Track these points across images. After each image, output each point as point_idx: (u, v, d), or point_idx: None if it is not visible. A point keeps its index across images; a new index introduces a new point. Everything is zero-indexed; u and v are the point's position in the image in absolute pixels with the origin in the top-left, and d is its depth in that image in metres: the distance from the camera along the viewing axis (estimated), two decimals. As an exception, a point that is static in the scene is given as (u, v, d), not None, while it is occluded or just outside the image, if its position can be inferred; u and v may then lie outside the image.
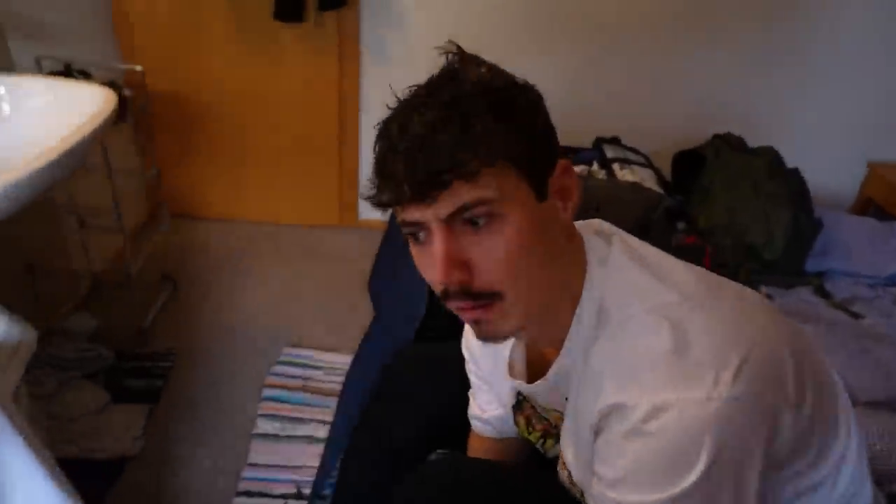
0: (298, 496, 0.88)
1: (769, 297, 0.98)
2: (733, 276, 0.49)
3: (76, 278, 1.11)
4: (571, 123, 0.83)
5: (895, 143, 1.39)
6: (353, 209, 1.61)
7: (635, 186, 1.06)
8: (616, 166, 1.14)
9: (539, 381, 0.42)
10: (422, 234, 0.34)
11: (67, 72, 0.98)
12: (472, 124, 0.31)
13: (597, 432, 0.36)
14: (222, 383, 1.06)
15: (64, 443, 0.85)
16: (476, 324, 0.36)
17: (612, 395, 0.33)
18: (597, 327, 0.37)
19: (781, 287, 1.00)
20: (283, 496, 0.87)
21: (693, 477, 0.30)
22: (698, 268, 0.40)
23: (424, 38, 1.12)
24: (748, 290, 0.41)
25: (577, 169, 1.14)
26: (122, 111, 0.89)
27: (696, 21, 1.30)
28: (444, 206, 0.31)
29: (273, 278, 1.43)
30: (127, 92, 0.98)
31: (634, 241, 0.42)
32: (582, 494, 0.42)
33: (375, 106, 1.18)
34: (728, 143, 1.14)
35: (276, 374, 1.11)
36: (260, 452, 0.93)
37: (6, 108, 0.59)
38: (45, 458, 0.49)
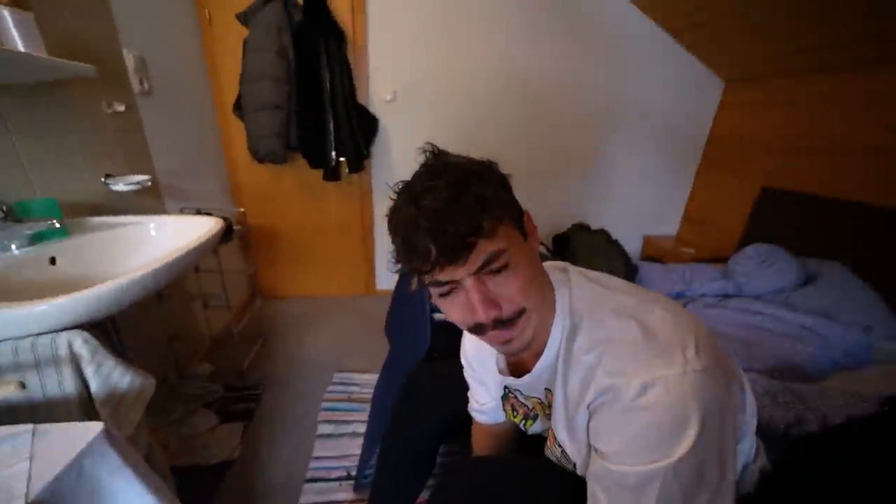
0: (348, 478, 1.08)
1: None
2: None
3: (201, 340, 1.59)
4: None
5: (656, 226, 2.40)
6: (373, 283, 2.20)
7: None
8: None
9: (526, 376, 0.49)
10: (453, 289, 0.39)
11: (199, 213, 1.32)
12: (482, 194, 0.37)
13: (592, 413, 0.40)
14: (294, 402, 1.38)
15: (187, 453, 1.12)
16: (507, 343, 0.42)
17: (604, 379, 0.38)
18: (573, 331, 0.43)
19: None
20: (338, 479, 1.08)
21: (688, 443, 0.33)
22: (626, 281, 0.48)
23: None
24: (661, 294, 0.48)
25: None
26: (229, 234, 1.29)
27: (549, 169, 2.14)
28: (473, 263, 0.37)
29: (325, 329, 1.86)
30: (234, 224, 1.40)
31: (581, 269, 0.50)
32: (575, 466, 0.47)
33: (382, 222, 2.02)
34: (581, 228, 1.85)
35: (330, 392, 1.41)
36: (320, 448, 1.18)
37: (153, 232, 1.03)
38: (152, 480, 0.54)
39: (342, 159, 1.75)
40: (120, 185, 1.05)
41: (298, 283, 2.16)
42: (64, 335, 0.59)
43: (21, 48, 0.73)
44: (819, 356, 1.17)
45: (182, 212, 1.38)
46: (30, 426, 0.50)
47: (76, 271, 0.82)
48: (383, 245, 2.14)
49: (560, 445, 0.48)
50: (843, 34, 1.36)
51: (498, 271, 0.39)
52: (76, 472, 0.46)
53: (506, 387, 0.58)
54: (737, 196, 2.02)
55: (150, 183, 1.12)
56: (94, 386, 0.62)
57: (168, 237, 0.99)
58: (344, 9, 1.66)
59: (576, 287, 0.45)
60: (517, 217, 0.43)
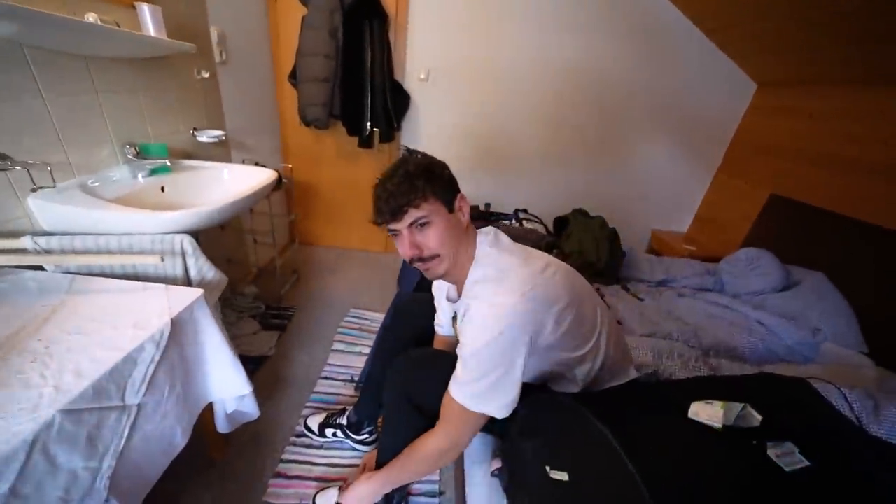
0: (351, 381, 1.42)
1: (598, 290, 1.65)
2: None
3: (249, 267, 1.98)
4: (508, 204, 2.18)
5: (668, 221, 2.52)
6: (392, 242, 2.51)
7: (532, 231, 1.91)
8: (524, 221, 2.00)
9: (458, 302, 0.78)
10: (397, 234, 0.69)
11: (257, 165, 1.57)
12: (414, 182, 0.65)
13: (464, 318, 0.69)
14: (317, 324, 1.74)
15: (236, 347, 1.55)
16: (427, 271, 0.72)
17: (471, 302, 0.66)
18: (477, 278, 0.69)
19: (604, 284, 1.74)
20: (344, 380, 1.43)
21: (488, 337, 0.61)
22: (533, 251, 0.74)
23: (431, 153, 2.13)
24: (560, 264, 0.73)
25: (505, 223, 1.99)
26: (279, 184, 1.57)
27: (565, 155, 2.30)
28: (404, 221, 0.66)
29: (348, 274, 2.20)
30: (283, 177, 1.73)
31: (502, 236, 0.75)
32: None
33: None
34: (580, 212, 2.02)
35: (346, 321, 1.75)
36: (333, 358, 1.53)
37: (226, 175, 1.36)
38: (228, 340, 0.85)
39: (376, 130, 2.00)
40: (203, 137, 1.37)
41: (330, 233, 2.51)
42: (178, 236, 0.91)
43: (153, 34, 1.03)
44: (761, 347, 1.34)
45: (244, 162, 1.71)
46: (163, 284, 0.83)
47: (177, 198, 1.16)
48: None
49: None
50: (877, 49, 1.37)
51: (421, 227, 0.68)
52: (189, 311, 0.79)
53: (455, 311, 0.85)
54: (747, 200, 2.07)
55: (224, 137, 1.43)
56: (193, 272, 0.95)
57: (235, 181, 1.30)
58: (390, -8, 1.85)
59: (486, 250, 0.72)
60: (447, 197, 0.69)
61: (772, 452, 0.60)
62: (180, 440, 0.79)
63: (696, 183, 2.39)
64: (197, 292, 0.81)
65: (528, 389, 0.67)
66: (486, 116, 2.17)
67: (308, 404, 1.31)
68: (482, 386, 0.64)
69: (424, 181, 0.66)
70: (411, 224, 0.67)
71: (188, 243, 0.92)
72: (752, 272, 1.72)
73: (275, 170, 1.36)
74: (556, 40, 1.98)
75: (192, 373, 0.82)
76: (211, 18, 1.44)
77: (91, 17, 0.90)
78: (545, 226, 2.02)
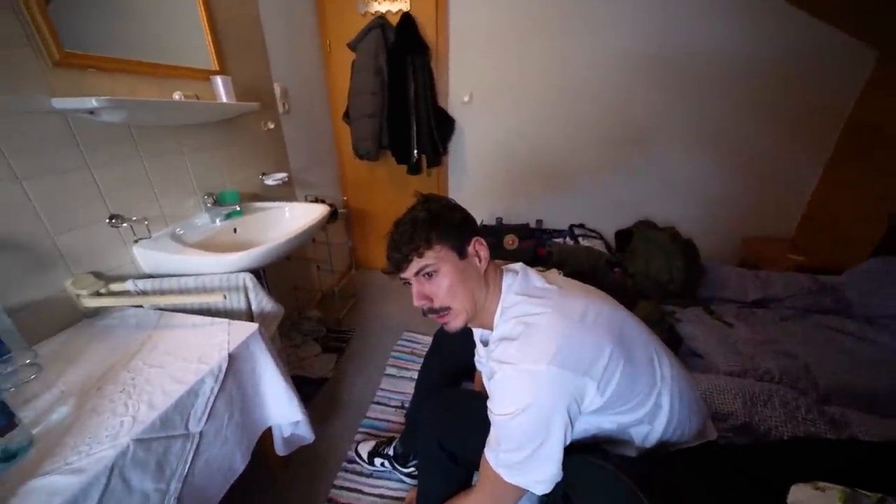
0: (401, 407, 1.43)
1: (673, 314, 1.44)
2: (647, 300, 0.90)
3: (314, 293, 2.15)
4: (561, 220, 2.15)
5: (763, 227, 2.11)
6: None
7: (589, 249, 1.81)
8: (580, 238, 1.93)
9: (480, 349, 0.76)
10: (408, 283, 0.68)
11: (317, 200, 1.79)
12: (418, 230, 0.63)
13: (489, 378, 0.65)
14: (373, 348, 1.80)
15: (299, 368, 1.63)
16: (445, 325, 0.68)
17: (494, 363, 0.60)
18: (499, 320, 0.65)
19: (680, 307, 1.49)
20: (394, 406, 1.45)
21: (516, 408, 0.54)
22: (570, 290, 0.65)
23: (479, 180, 2.27)
24: (603, 305, 0.63)
25: (559, 241, 1.92)
26: (335, 215, 1.73)
27: (625, 161, 2.08)
28: (412, 269, 0.64)
29: (401, 298, 2.24)
30: (340, 207, 1.92)
31: (532, 277, 0.68)
32: None
33: None
34: (646, 224, 1.89)
35: (399, 345, 1.78)
36: (385, 383, 1.56)
37: (287, 214, 1.53)
38: (282, 369, 0.90)
39: (423, 156, 2.07)
40: (270, 181, 1.55)
41: (384, 258, 2.62)
42: (241, 274, 1.02)
43: (225, 100, 1.20)
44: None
45: (306, 198, 1.89)
46: (227, 320, 0.93)
47: (247, 237, 1.31)
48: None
49: None
50: None
51: (429, 276, 0.65)
52: (246, 345, 0.87)
53: None
54: (873, 197, 1.68)
55: (287, 178, 1.60)
56: (254, 305, 1.05)
57: (295, 218, 1.44)
58: (429, 26, 1.93)
59: (511, 299, 0.66)
60: (457, 243, 0.65)
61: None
62: (240, 464, 0.86)
63: (801, 179, 1.99)
64: (252, 327, 0.90)
65: (574, 447, 0.60)
66: (532, 131, 2.10)
67: (360, 430, 1.34)
68: (516, 458, 0.57)
69: (429, 227, 0.63)
70: (418, 273, 0.65)
71: (249, 280, 1.03)
72: (891, 289, 1.37)
73: (331, 203, 1.47)
74: (594, 44, 1.85)
75: (249, 401, 0.90)
76: (274, 76, 1.65)
77: (177, 96, 1.09)
78: (605, 241, 1.86)
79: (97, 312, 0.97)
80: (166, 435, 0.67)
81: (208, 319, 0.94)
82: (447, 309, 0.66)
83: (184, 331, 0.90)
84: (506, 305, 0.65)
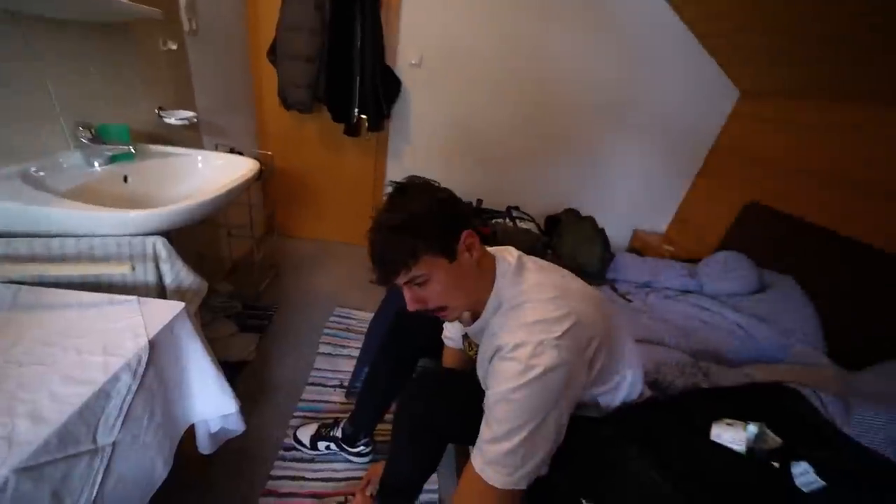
0: (341, 386, 1.35)
1: None
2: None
3: (223, 262, 1.82)
4: (498, 200, 2.06)
5: (648, 222, 2.55)
6: None
7: (527, 231, 1.89)
8: (517, 220, 1.93)
9: (469, 328, 0.72)
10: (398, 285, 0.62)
11: (232, 151, 1.45)
12: (399, 241, 0.57)
13: (490, 363, 0.61)
14: (301, 325, 1.63)
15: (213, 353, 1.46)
16: (441, 319, 0.68)
17: (499, 340, 0.58)
18: (496, 309, 0.64)
19: (596, 286, 1.66)
20: (333, 386, 1.35)
21: (524, 381, 0.53)
22: (559, 279, 0.65)
23: (422, 155, 2.18)
24: (591, 292, 0.66)
25: (497, 221, 1.93)
26: (259, 174, 1.45)
27: (553, 153, 2.26)
28: (401, 279, 0.60)
29: (331, 270, 2.08)
30: (263, 165, 1.58)
31: (527, 263, 0.67)
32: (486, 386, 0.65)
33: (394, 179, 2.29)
34: (572, 212, 2.07)
35: (332, 321, 1.66)
36: (320, 363, 1.44)
37: (200, 165, 1.21)
38: (212, 355, 0.77)
39: (364, 117, 1.87)
40: (172, 119, 1.21)
41: (311, 225, 2.36)
42: (150, 238, 0.79)
43: (111, -5, 0.87)
44: (739, 348, 1.40)
45: (217, 148, 1.55)
46: (134, 297, 0.72)
47: (143, 190, 1.01)
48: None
49: (479, 375, 0.72)
50: (858, 67, 1.42)
51: (421, 284, 0.61)
52: (170, 329, 0.69)
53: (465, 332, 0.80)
54: (724, 204, 2.15)
55: (195, 119, 1.27)
56: (168, 279, 0.83)
57: (213, 171, 1.16)
58: (381, -34, 1.70)
59: (507, 282, 0.65)
60: (445, 246, 0.60)
61: (794, 474, 0.60)
62: (161, 472, 0.69)
63: (677, 185, 2.44)
64: (177, 306, 0.71)
65: None
66: (478, 108, 2.09)
67: (296, 414, 1.23)
68: (506, 448, 0.54)
69: (411, 236, 0.58)
70: (408, 282, 0.61)
71: (162, 246, 0.80)
72: (728, 274, 1.79)
73: (257, 160, 1.22)
74: (549, 32, 1.92)
75: (172, 396, 0.73)
76: (178, -20, 1.26)
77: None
78: (538, 225, 1.99)
79: None
80: (65, 455, 0.49)
81: (104, 297, 0.71)
82: (444, 308, 0.64)
83: (68, 312, 0.66)
84: (500, 292, 0.64)
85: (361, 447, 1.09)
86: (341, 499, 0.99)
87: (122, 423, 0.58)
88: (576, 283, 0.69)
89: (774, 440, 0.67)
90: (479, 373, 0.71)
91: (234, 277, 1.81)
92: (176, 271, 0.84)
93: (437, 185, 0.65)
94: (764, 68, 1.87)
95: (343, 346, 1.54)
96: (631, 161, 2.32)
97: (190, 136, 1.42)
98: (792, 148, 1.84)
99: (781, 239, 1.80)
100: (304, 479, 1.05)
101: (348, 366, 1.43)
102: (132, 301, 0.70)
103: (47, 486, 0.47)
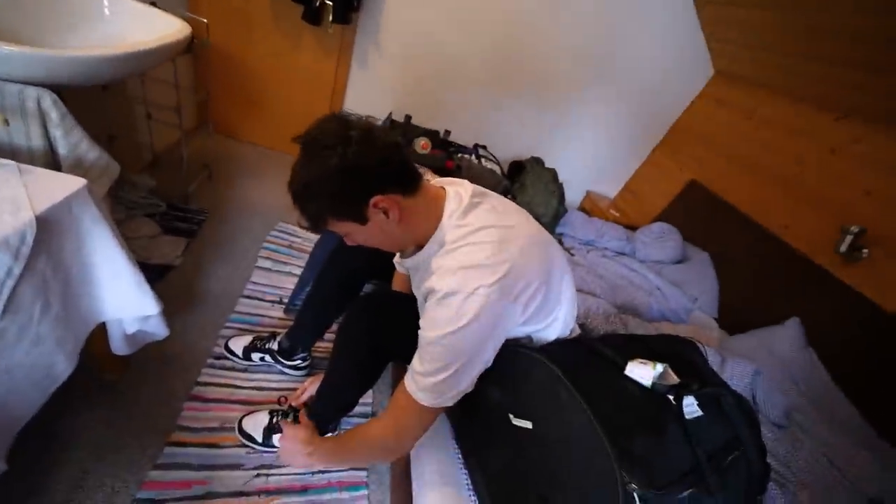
0: (280, 302, 1.30)
1: None
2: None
3: (141, 150, 1.53)
4: (464, 136, 1.95)
5: (601, 185, 2.62)
6: None
7: (492, 172, 1.85)
8: (483, 159, 1.89)
9: (406, 260, 0.71)
10: None
11: (154, 6, 1.12)
12: (308, 213, 0.60)
13: (424, 297, 0.62)
14: (237, 235, 1.49)
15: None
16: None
17: (433, 283, 0.58)
18: (437, 250, 0.63)
19: None
20: (271, 301, 1.29)
21: (449, 329, 0.55)
22: (509, 221, 0.64)
23: (390, 61, 1.93)
24: (539, 232, 0.67)
25: (463, 156, 1.87)
26: (188, 45, 1.05)
27: (525, 98, 2.14)
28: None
29: (276, 181, 1.87)
30: (195, 36, 1.23)
31: (478, 201, 0.65)
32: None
33: (354, 91, 2.03)
34: (537, 161, 2.03)
35: (273, 235, 1.54)
36: (258, 276, 1.35)
37: (107, 11, 0.91)
38: (126, 249, 0.67)
39: (330, 3, 1.57)
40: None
41: (252, 127, 2.05)
42: (33, 89, 0.61)
43: None
44: (655, 308, 1.60)
45: None
46: (11, 161, 0.57)
47: (20, 26, 0.76)
48: (352, 110, 2.07)
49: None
50: (833, 71, 1.44)
51: (345, 233, 0.63)
52: (67, 209, 0.56)
53: None
54: (671, 180, 2.28)
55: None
56: (63, 149, 0.67)
57: (123, 23, 0.92)
58: None
59: (451, 222, 0.63)
60: (349, 213, 0.60)
61: (683, 405, 0.72)
62: (63, 368, 0.62)
63: (634, 156, 2.52)
64: (76, 182, 0.58)
65: None
66: (457, 33, 1.86)
67: (228, 325, 1.16)
68: (436, 380, 0.58)
69: (314, 203, 0.59)
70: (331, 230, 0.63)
71: (52, 104, 0.63)
72: (659, 243, 1.98)
73: (187, 24, 0.98)
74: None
75: (75, 287, 0.62)
76: None
77: None
78: (501, 168, 1.96)
79: None
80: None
81: (-35, 155, 0.54)
82: (377, 247, 0.66)
83: None
84: (445, 231, 0.63)
85: (298, 361, 1.09)
86: (274, 405, 1.00)
87: (4, 311, 0.48)
88: (527, 227, 0.68)
89: (673, 378, 0.78)
90: (420, 308, 0.70)
91: (155, 172, 1.55)
92: (74, 142, 0.67)
93: (352, 131, 0.57)
94: (744, 51, 1.88)
95: (284, 263, 1.45)
96: (598, 122, 2.31)
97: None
98: (742, 136, 1.95)
99: (709, 217, 2.00)
100: (234, 386, 1.03)
101: (290, 283, 1.37)
102: (9, 166, 0.55)
103: None
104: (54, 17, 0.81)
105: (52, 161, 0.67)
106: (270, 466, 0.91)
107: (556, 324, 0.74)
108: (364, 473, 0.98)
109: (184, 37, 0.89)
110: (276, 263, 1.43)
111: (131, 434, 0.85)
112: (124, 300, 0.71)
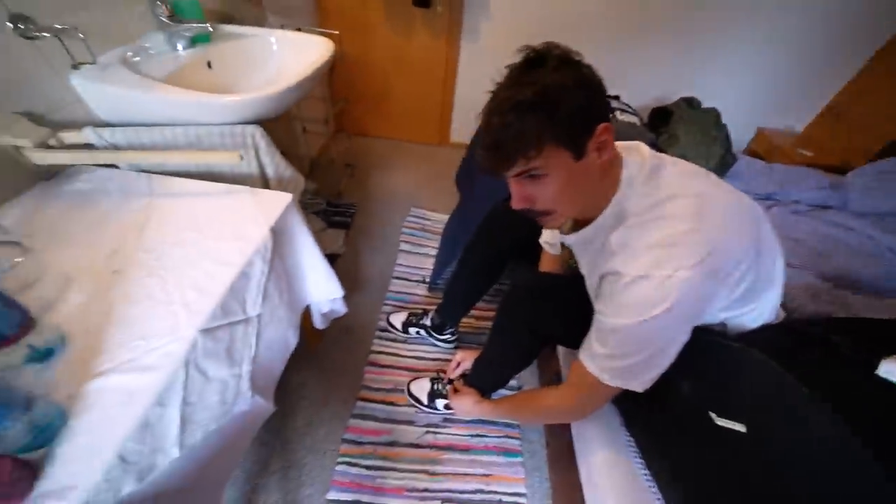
0: (423, 281, 1.43)
1: None
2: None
3: (303, 160, 1.86)
4: None
5: (779, 118, 2.03)
6: (447, 133, 2.25)
7: (633, 126, 1.52)
8: (617, 113, 1.54)
9: (571, 236, 0.62)
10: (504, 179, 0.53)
11: (300, 31, 1.32)
12: (525, 129, 0.45)
13: (601, 280, 0.55)
14: (381, 223, 1.68)
15: None
16: (541, 224, 0.58)
17: (616, 265, 0.51)
18: (615, 223, 0.53)
19: None
20: (416, 280, 1.44)
21: (641, 318, 0.48)
22: (703, 187, 0.52)
23: (503, 35, 1.81)
24: (738, 201, 0.53)
25: None
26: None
27: (673, 38, 1.81)
28: (513, 171, 0.49)
29: (405, 170, 2.03)
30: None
31: (665, 163, 0.54)
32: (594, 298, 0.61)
33: (466, 71, 1.97)
34: (688, 103, 1.61)
35: (408, 221, 1.68)
36: (402, 259, 1.51)
37: (275, 47, 1.11)
38: (318, 245, 0.80)
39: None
40: (237, -9, 1.08)
41: (378, 123, 2.25)
42: (249, 128, 0.77)
43: None
44: (885, 275, 1.17)
45: (282, 27, 1.41)
46: (246, 187, 0.74)
47: (227, 76, 0.97)
48: (464, 93, 2.05)
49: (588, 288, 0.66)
50: None
51: (535, 177, 0.49)
52: (283, 219, 0.71)
53: None
54: (884, 117, 1.58)
55: (259, -10, 1.13)
56: (270, 171, 0.84)
57: (289, 53, 1.07)
58: None
59: (634, 191, 0.53)
60: (574, 138, 0.47)
61: None
62: (293, 339, 0.81)
63: (832, 72, 1.81)
64: (286, 197, 0.72)
65: None
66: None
67: (387, 302, 1.34)
68: (623, 364, 0.53)
69: (541, 121, 0.45)
70: (520, 174, 0.50)
71: (260, 136, 0.79)
72: (887, 187, 1.41)
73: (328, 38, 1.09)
74: None
75: (293, 279, 0.80)
76: None
77: None
78: (640, 119, 1.67)
79: (52, 173, 0.72)
80: (228, 322, 0.56)
81: (221, 187, 0.74)
82: (550, 212, 0.54)
83: (194, 201, 0.70)
84: (628, 200, 0.53)
85: (448, 335, 1.19)
86: (434, 374, 1.12)
87: (263, 300, 0.64)
88: (721, 192, 0.54)
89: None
90: (589, 287, 0.64)
91: (312, 176, 1.85)
92: (276, 163, 0.84)
93: (579, 58, 0.48)
94: None
95: (422, 245, 1.58)
96: (773, 37, 1.73)
97: (254, 13, 1.30)
98: None
99: None
100: (399, 355, 1.19)
101: (428, 263, 1.49)
102: (245, 191, 0.72)
103: (222, 345, 0.55)
104: (246, 62, 1.02)
105: (263, 182, 0.86)
106: (437, 426, 1.04)
107: (762, 308, 0.60)
108: (518, 442, 1.03)
109: (331, 54, 1.00)
110: (414, 246, 1.57)
111: (332, 389, 1.08)
112: (321, 286, 0.88)
